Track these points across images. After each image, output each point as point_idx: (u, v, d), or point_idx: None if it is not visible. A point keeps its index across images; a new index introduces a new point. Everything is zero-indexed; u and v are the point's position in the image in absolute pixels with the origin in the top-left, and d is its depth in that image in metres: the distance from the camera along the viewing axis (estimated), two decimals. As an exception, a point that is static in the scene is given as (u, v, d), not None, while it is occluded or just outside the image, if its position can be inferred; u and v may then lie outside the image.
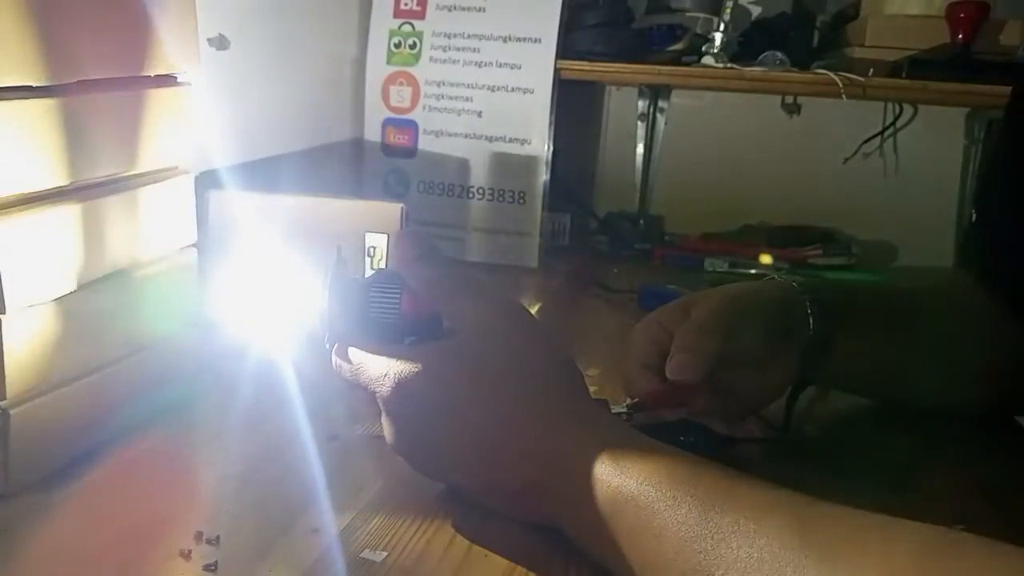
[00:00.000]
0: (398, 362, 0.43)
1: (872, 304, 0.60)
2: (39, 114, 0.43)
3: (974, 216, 0.66)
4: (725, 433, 0.53)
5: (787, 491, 0.35)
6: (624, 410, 0.51)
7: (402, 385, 0.42)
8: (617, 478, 0.37)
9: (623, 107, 1.43)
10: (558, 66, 1.12)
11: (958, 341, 0.59)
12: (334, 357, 0.46)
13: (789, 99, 1.37)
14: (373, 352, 0.44)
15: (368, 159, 1.18)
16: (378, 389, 0.43)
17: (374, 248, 0.73)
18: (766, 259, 1.16)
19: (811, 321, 0.54)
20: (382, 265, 0.72)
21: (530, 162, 1.12)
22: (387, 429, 0.45)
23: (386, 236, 0.73)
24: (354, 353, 0.45)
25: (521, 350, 0.43)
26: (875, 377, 0.60)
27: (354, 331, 0.45)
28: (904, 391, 0.61)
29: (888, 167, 1.37)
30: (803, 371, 0.56)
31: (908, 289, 0.65)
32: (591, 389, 0.47)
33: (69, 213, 0.45)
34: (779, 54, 1.17)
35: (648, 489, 0.36)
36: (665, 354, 0.52)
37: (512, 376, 0.42)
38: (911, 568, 0.30)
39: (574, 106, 1.34)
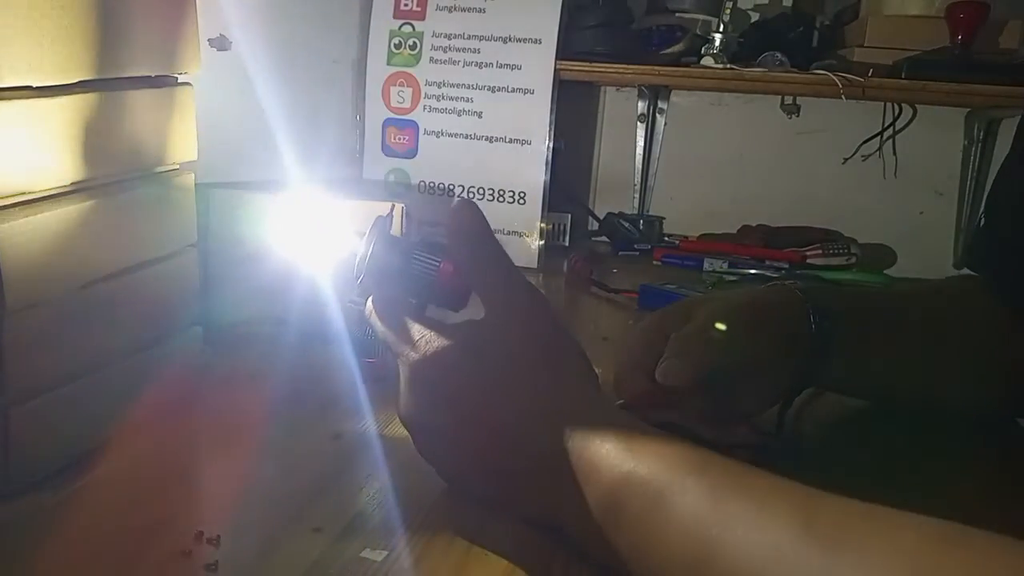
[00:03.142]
0: (432, 332, 0.44)
1: (874, 307, 0.60)
2: (39, 114, 0.43)
3: (982, 221, 0.65)
4: (711, 438, 0.52)
5: (792, 481, 0.35)
6: None
7: (436, 353, 0.43)
8: (627, 463, 0.38)
9: (623, 107, 1.43)
10: (558, 67, 1.12)
11: (960, 345, 0.59)
12: (369, 304, 0.47)
13: (789, 100, 1.37)
14: (410, 316, 0.45)
15: (368, 159, 1.18)
16: (406, 352, 0.44)
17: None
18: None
19: (812, 327, 0.54)
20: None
21: (530, 162, 1.12)
22: (404, 397, 0.45)
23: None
24: (390, 311, 0.46)
25: (545, 341, 0.44)
26: (876, 381, 0.60)
27: (391, 288, 0.47)
28: (905, 395, 0.61)
29: (887, 168, 1.37)
30: (804, 376, 0.56)
31: (911, 292, 0.65)
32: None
33: (69, 213, 0.45)
34: (778, 55, 1.16)
35: (657, 475, 0.36)
36: (659, 356, 0.52)
37: (534, 364, 0.43)
38: (917, 555, 0.30)
39: (574, 106, 1.34)
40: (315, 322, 0.59)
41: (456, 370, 0.43)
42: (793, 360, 0.54)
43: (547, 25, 1.11)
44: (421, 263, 0.47)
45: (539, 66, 1.12)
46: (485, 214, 0.46)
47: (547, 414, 0.41)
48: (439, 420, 0.44)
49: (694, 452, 0.38)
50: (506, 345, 0.43)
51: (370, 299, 0.47)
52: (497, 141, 1.13)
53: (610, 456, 0.38)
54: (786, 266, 1.18)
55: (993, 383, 0.59)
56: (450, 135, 1.15)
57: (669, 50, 1.25)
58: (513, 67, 1.12)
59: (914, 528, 0.31)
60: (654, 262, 1.21)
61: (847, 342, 0.55)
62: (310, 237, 0.51)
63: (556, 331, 0.45)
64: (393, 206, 0.50)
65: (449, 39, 1.14)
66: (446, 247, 0.47)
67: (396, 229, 0.73)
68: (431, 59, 1.15)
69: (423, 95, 1.15)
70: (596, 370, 0.45)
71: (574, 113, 1.36)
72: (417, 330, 0.44)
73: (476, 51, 1.13)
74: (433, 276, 0.47)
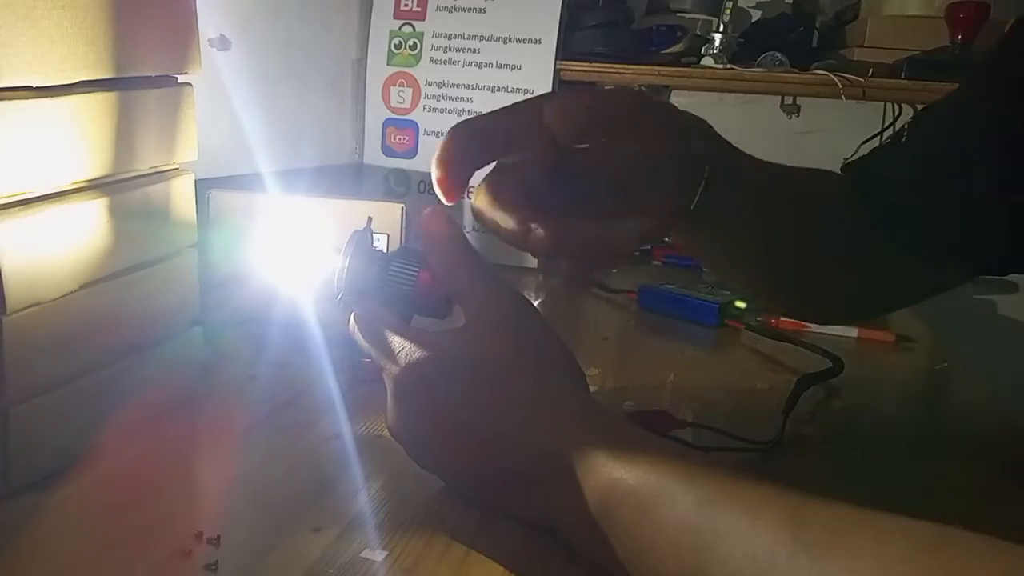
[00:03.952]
0: (413, 343, 0.43)
1: (757, 176, 0.58)
2: (39, 114, 0.43)
3: (884, 146, 0.62)
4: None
5: (783, 488, 0.35)
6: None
7: (414, 368, 0.43)
8: (617, 471, 0.37)
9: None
10: (558, 67, 1.12)
11: (827, 235, 0.58)
12: (351, 321, 0.46)
13: (789, 100, 1.37)
14: (391, 329, 0.44)
15: (368, 159, 1.18)
16: (389, 366, 0.44)
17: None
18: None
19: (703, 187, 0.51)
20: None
21: (530, 162, 1.12)
22: (391, 410, 0.45)
23: (386, 236, 0.73)
24: (370, 326, 0.45)
25: (530, 344, 0.44)
26: (745, 247, 0.57)
27: (371, 301, 0.46)
28: (767, 276, 0.60)
29: (888, 168, 1.37)
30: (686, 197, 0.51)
31: (786, 172, 0.62)
32: (591, 389, 0.47)
33: (69, 213, 0.45)
34: (778, 55, 1.17)
35: (648, 483, 0.36)
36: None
37: (520, 369, 0.43)
38: (907, 562, 0.29)
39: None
40: (314, 322, 0.59)
41: (439, 381, 0.43)
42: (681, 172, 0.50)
43: (547, 25, 1.11)
44: (399, 274, 0.46)
45: (539, 66, 1.12)
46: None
47: (534, 422, 0.41)
48: (427, 432, 0.44)
49: (684, 460, 0.37)
50: (487, 352, 0.43)
51: (352, 315, 0.46)
52: (497, 141, 1.13)
53: (599, 464, 0.38)
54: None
55: (851, 280, 0.58)
56: (450, 135, 1.15)
57: (669, 50, 1.25)
58: (513, 67, 1.12)
59: (905, 534, 0.31)
60: (654, 262, 1.20)
61: (730, 181, 0.52)
62: (309, 238, 0.51)
63: (540, 334, 0.45)
64: (370, 219, 0.49)
65: (449, 39, 1.14)
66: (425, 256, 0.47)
67: (396, 230, 0.73)
68: (431, 59, 1.15)
69: (423, 95, 1.15)
70: (594, 371, 0.45)
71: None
72: (398, 342, 0.44)
73: (476, 51, 1.13)
74: (412, 286, 0.46)
